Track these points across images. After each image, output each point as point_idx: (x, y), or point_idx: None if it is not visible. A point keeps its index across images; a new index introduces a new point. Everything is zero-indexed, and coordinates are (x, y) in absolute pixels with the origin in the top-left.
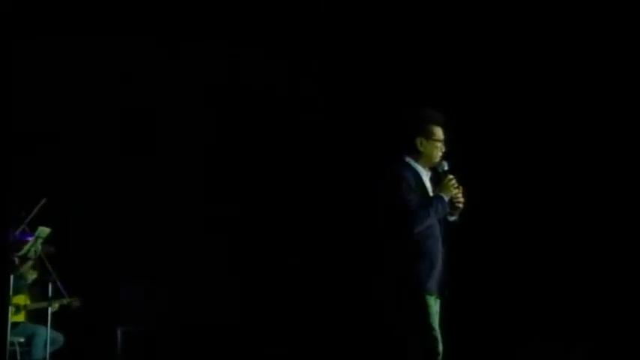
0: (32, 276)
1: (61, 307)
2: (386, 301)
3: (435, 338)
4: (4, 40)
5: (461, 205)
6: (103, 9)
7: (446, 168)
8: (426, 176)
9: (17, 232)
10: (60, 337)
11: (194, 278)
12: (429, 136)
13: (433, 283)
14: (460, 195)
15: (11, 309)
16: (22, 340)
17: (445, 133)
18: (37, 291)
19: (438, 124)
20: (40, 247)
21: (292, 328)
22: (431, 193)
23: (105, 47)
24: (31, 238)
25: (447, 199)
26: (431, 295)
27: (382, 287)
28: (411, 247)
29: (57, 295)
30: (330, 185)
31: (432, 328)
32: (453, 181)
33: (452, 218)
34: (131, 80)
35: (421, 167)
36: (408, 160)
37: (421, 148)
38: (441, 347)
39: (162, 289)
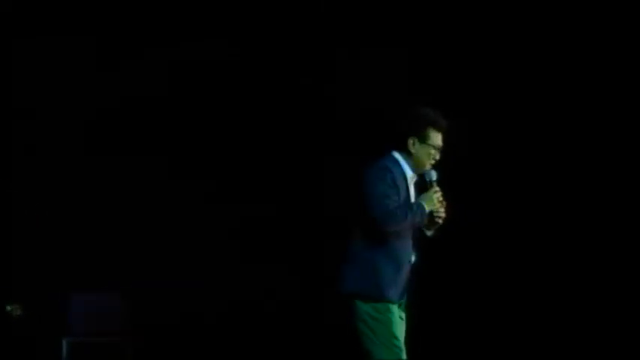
0: None
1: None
2: (346, 306)
3: (398, 347)
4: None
5: (440, 222)
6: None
7: (434, 178)
8: (411, 179)
9: None
10: None
11: (153, 287)
12: (424, 139)
13: (396, 289)
14: (442, 210)
15: None
16: None
17: (444, 141)
18: None
19: (437, 130)
20: None
21: (261, 336)
22: (412, 199)
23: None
24: None
25: (427, 210)
26: (392, 302)
27: (343, 290)
28: (377, 246)
29: None
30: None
31: (395, 337)
32: (439, 195)
33: (428, 233)
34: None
35: (409, 168)
36: (397, 157)
37: (412, 150)
38: (404, 357)
39: (118, 298)
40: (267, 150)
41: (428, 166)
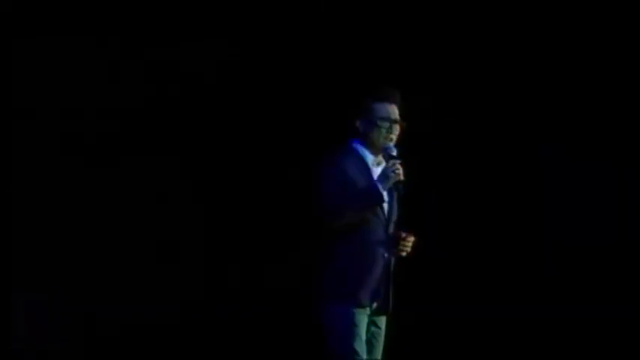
0: None
1: None
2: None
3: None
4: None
5: (400, 177)
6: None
7: (393, 153)
8: (374, 163)
9: None
10: None
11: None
12: (369, 114)
13: (365, 291)
14: (399, 173)
15: None
16: None
17: (402, 110)
18: None
19: (381, 101)
20: None
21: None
22: None
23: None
24: None
25: (383, 187)
26: (361, 306)
27: (313, 292)
28: (340, 242)
29: None
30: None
31: (355, 352)
32: (397, 167)
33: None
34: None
35: (369, 153)
36: (355, 144)
37: (362, 130)
38: None
39: (66, 300)
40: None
41: (385, 142)
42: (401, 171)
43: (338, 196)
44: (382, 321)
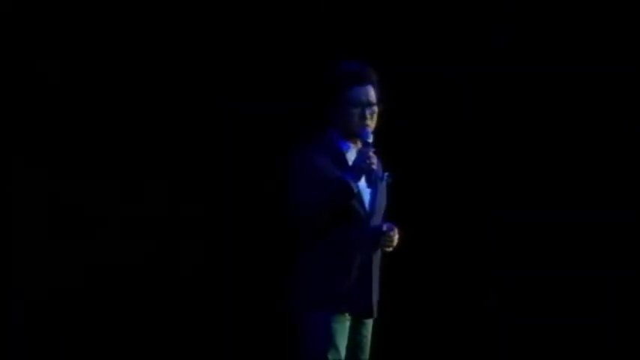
0: None
1: None
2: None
3: None
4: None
5: (373, 167)
6: None
7: (368, 139)
8: (353, 152)
9: None
10: None
11: None
12: (338, 101)
13: (342, 297)
14: (372, 159)
15: None
16: None
17: (378, 91)
18: None
19: (350, 82)
20: None
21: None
22: None
23: None
24: None
25: (355, 179)
26: (338, 313)
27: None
28: (314, 243)
29: None
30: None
31: None
32: (369, 155)
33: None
34: None
35: (347, 142)
36: (331, 133)
37: (336, 117)
38: None
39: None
40: None
41: (360, 128)
42: (374, 159)
43: (306, 193)
44: (367, 327)
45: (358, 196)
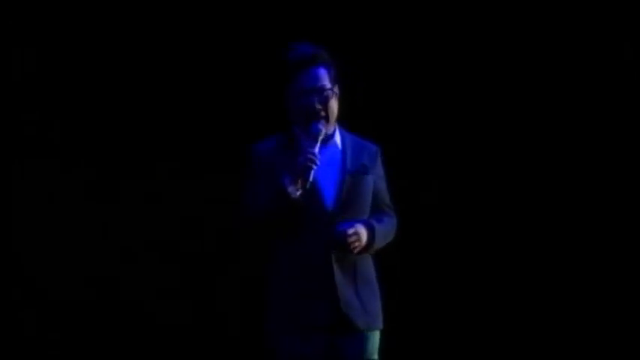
0: None
1: None
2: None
3: None
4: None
5: (311, 166)
6: None
7: (317, 132)
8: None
9: None
10: None
11: None
12: (290, 89)
13: (305, 313)
14: (312, 156)
15: None
16: None
17: (331, 73)
18: None
19: (292, 67)
20: None
21: None
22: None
23: None
24: None
25: (291, 181)
26: (304, 332)
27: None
28: (269, 252)
29: None
30: None
31: None
32: (309, 152)
33: (297, 193)
34: None
35: (304, 136)
36: (294, 129)
37: (290, 111)
38: None
39: None
40: None
41: (311, 119)
42: (314, 157)
43: (251, 197)
44: (356, 344)
45: (316, 194)
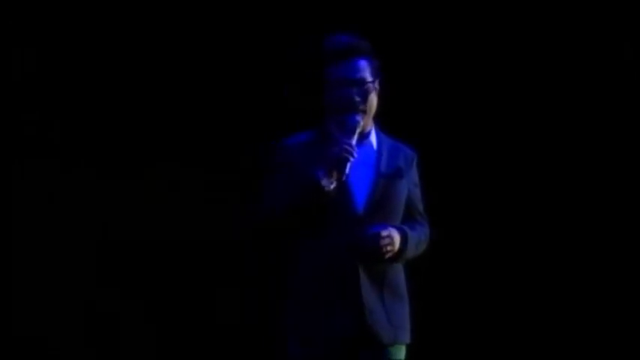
0: None
1: None
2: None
3: None
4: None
5: (348, 159)
6: None
7: (353, 124)
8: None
9: None
10: None
11: None
12: (328, 80)
13: (328, 324)
14: (350, 150)
15: None
16: None
17: (373, 66)
18: None
19: (332, 58)
20: None
21: None
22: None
23: None
24: None
25: (325, 174)
26: (320, 344)
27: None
28: (288, 256)
29: None
30: None
31: None
32: (346, 145)
33: (330, 186)
34: None
35: (341, 131)
36: (328, 123)
37: (325, 102)
38: None
39: None
40: None
41: (348, 112)
42: (351, 151)
43: (274, 191)
44: (371, 357)
45: (346, 194)
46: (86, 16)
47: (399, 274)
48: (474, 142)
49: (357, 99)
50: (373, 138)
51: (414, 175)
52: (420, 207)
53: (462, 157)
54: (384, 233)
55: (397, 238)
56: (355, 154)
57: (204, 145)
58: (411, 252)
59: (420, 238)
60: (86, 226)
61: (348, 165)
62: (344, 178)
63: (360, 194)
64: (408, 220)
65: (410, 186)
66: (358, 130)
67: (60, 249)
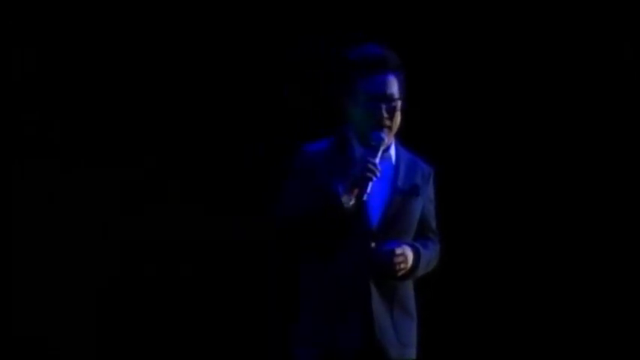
0: None
1: None
2: None
3: None
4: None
5: (372, 177)
6: None
7: (374, 143)
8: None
9: None
10: None
11: None
12: (354, 92)
13: (335, 339)
14: (372, 167)
15: None
16: None
17: (401, 82)
18: None
19: (367, 72)
20: None
21: None
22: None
23: None
24: None
25: (346, 189)
26: (332, 354)
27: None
28: (301, 268)
29: None
30: None
31: None
32: (370, 163)
33: (350, 203)
34: None
35: (360, 143)
36: (346, 132)
37: (348, 113)
38: None
39: None
40: None
41: (373, 129)
42: (375, 169)
43: (292, 200)
44: None
45: (361, 208)
46: (86, 16)
47: (409, 291)
48: (483, 158)
49: (385, 115)
50: (392, 152)
51: (430, 191)
52: (434, 224)
53: (471, 175)
54: (399, 251)
55: (411, 255)
56: (379, 174)
57: (205, 144)
58: (422, 270)
59: (432, 256)
60: (86, 226)
61: (370, 184)
62: (365, 197)
63: (376, 210)
64: (420, 237)
65: (425, 202)
66: (382, 148)
67: (60, 249)
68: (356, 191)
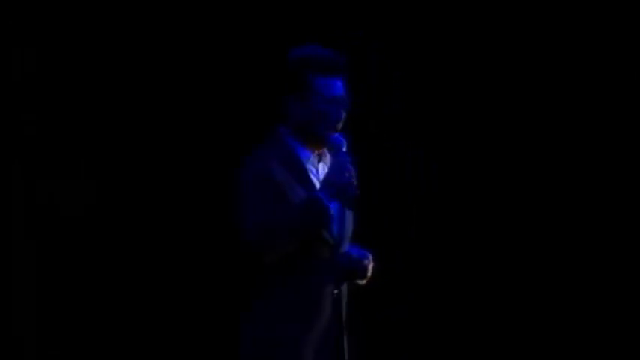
0: None
1: None
2: None
3: None
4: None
5: (354, 184)
6: None
7: (345, 148)
8: (313, 160)
9: None
10: None
11: None
12: (307, 94)
13: (308, 350)
14: (353, 183)
15: None
16: None
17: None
18: None
19: (324, 72)
20: None
21: None
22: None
23: None
24: None
25: (330, 200)
26: None
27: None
28: (272, 279)
29: None
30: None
31: None
32: (349, 169)
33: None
34: None
35: (304, 147)
36: (283, 133)
37: (295, 114)
38: None
39: None
40: None
41: (324, 134)
42: (353, 175)
43: (263, 215)
44: None
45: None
46: (86, 16)
47: None
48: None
49: (341, 118)
50: (328, 156)
51: None
52: None
53: (471, 175)
54: (369, 255)
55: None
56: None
57: (204, 145)
58: None
59: None
60: (86, 226)
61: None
62: (350, 205)
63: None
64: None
65: None
66: (344, 150)
67: (60, 249)
68: (343, 201)
